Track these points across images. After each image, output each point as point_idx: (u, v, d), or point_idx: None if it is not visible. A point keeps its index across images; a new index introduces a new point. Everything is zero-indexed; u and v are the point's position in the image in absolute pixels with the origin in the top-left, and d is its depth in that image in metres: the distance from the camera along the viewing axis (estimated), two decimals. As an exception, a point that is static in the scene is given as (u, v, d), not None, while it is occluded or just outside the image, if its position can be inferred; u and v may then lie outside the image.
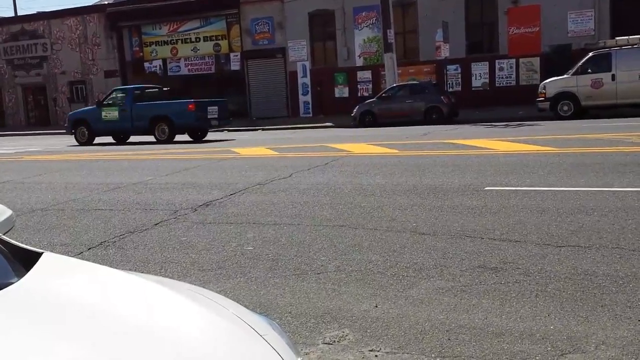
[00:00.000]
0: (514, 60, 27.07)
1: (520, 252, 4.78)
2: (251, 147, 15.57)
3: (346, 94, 30.04)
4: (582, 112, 19.98)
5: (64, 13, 37.28)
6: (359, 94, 29.15)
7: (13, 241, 2.18)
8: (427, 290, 4.11)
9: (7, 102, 39.16)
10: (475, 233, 5.43)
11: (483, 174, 8.60)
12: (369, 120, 22.89)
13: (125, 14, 35.14)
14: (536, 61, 26.63)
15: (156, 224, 6.68)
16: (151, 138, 20.87)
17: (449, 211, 6.38)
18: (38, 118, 38.54)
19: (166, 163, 12.81)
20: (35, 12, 40.64)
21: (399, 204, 6.89)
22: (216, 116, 20.95)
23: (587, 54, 20.35)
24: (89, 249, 5.84)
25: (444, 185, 7.89)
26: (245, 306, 2.55)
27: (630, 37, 19.54)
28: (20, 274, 1.92)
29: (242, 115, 32.45)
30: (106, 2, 40.96)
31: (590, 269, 4.29)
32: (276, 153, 13.50)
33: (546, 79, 21.37)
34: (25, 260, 2.04)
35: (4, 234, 2.24)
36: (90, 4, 40.89)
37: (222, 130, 23.90)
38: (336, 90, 30.47)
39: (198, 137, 21.45)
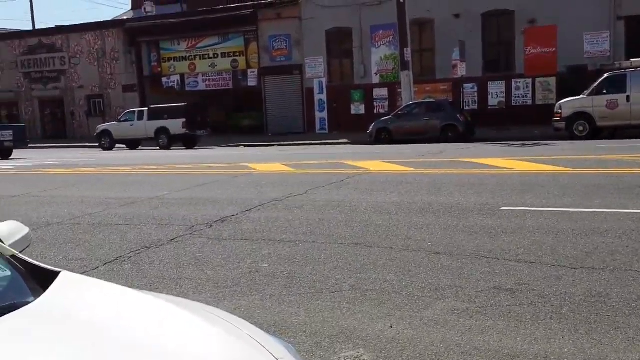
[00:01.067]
0: (530, 80, 27.01)
1: (535, 274, 4.76)
2: (267, 162, 15.64)
3: (362, 111, 30.11)
4: (597, 132, 19.89)
5: (82, 27, 37.77)
6: (375, 111, 29.20)
7: (30, 260, 2.20)
8: (442, 311, 4.11)
9: (24, 115, 39.62)
10: (491, 253, 5.41)
11: (499, 193, 8.57)
12: (385, 137, 22.91)
13: (144, 30, 35.58)
14: (552, 81, 26.56)
15: (172, 240, 6.73)
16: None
17: (465, 231, 6.37)
18: (54, 131, 38.91)
19: (183, 178, 12.90)
20: (54, 26, 41.20)
21: (415, 223, 6.89)
22: (10, 139, 25.17)
23: (602, 75, 20.28)
24: (105, 264, 5.89)
25: (460, 204, 7.88)
26: (260, 324, 2.56)
27: (645, 58, 19.49)
28: (37, 294, 1.93)
29: (259, 131, 32.63)
30: (125, 18, 41.52)
31: (604, 292, 4.27)
32: (292, 169, 13.55)
33: (562, 99, 21.29)
34: (42, 279, 2.05)
35: (20, 252, 2.27)
36: (109, 19, 41.45)
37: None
38: (352, 107, 30.56)
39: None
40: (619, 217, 6.63)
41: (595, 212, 6.94)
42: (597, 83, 19.97)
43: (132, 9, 45.89)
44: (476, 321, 3.88)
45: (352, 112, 30.47)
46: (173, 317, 1.95)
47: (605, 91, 19.64)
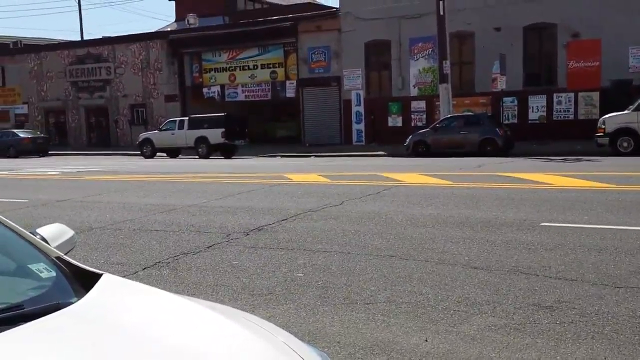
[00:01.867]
0: (572, 94, 26.52)
1: (576, 292, 4.65)
2: (303, 173, 15.69)
3: (400, 124, 29.98)
4: (643, 148, 19.37)
5: (128, 38, 38.65)
6: (413, 124, 29.04)
7: (74, 262, 2.25)
8: (478, 326, 4.04)
9: (70, 122, 40.68)
10: (530, 270, 5.31)
11: (539, 209, 8.42)
12: (422, 150, 22.77)
13: (187, 41, 36.19)
14: (596, 96, 26.02)
15: (209, 247, 6.79)
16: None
17: (503, 246, 6.27)
18: (99, 139, 39.80)
19: (221, 187, 13.03)
20: (101, 37, 42.25)
21: (451, 236, 6.81)
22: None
23: (649, 89, 19.78)
24: (144, 268, 5.98)
25: (498, 218, 7.76)
26: (294, 333, 2.56)
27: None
28: (80, 295, 1.98)
29: (296, 141, 32.78)
30: (169, 29, 42.33)
31: (650, 313, 4.14)
32: (328, 180, 13.56)
33: (605, 114, 20.84)
34: (85, 281, 2.09)
35: (65, 254, 2.32)
36: (154, 31, 42.29)
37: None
38: (390, 119, 30.46)
39: None
40: (665, 235, 6.44)
41: (639, 230, 6.76)
42: (643, 98, 19.49)
43: (176, 20, 46.78)
44: (514, 338, 3.81)
45: (390, 124, 30.36)
46: (209, 321, 1.96)
47: (651, 107, 19.15)
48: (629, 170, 13.42)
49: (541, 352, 3.57)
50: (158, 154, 29.08)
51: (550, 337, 3.79)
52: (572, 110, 26.66)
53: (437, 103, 26.49)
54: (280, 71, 33.97)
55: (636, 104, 19.62)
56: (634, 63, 25.38)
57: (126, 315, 1.90)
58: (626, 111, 19.81)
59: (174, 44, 36.55)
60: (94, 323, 1.79)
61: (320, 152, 26.55)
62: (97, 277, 2.13)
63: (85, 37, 47.29)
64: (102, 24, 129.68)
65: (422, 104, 29.66)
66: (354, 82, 31.23)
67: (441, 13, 24.17)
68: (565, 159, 18.32)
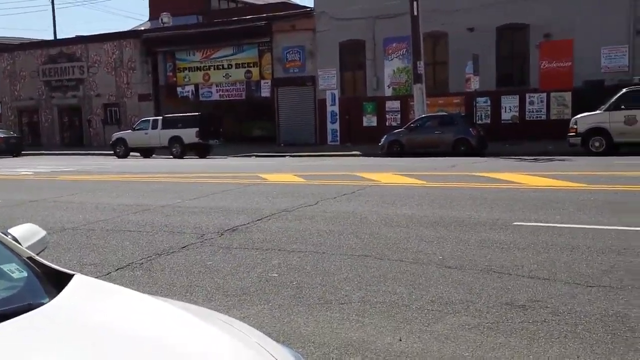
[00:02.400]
0: (545, 94, 26.86)
1: (549, 291, 4.70)
2: (278, 173, 15.65)
3: (374, 123, 30.09)
4: (614, 148, 19.66)
5: (101, 37, 38.20)
6: (387, 124, 29.17)
7: (46, 262, 2.22)
8: (452, 325, 4.06)
9: (43, 122, 40.11)
10: (503, 269, 5.35)
11: (512, 208, 8.50)
12: (397, 150, 22.87)
13: (161, 40, 35.88)
14: (568, 96, 26.39)
15: (183, 247, 6.73)
16: None
17: (476, 245, 6.31)
18: (72, 138, 39.33)
19: (195, 187, 12.93)
20: (74, 36, 41.72)
21: (425, 236, 6.84)
22: None
23: (620, 90, 20.10)
24: (117, 269, 5.90)
25: (472, 218, 7.82)
26: (269, 334, 2.54)
27: (665, 74, 19.30)
28: (51, 295, 1.95)
29: (271, 141, 32.70)
30: (142, 28, 41.94)
31: (622, 311, 4.19)
32: (303, 180, 13.54)
33: (578, 114, 21.14)
34: (57, 282, 2.07)
35: (37, 255, 2.29)
36: (128, 30, 41.85)
37: None
38: (364, 119, 30.55)
39: None
40: (638, 235, 6.54)
41: (611, 229, 6.86)
42: (615, 98, 19.77)
43: (150, 19, 46.36)
44: (487, 337, 3.83)
45: (364, 124, 30.45)
46: (181, 322, 1.94)
47: (623, 106, 19.42)
48: (600, 169, 13.63)
49: (514, 351, 3.60)
50: (131, 153, 28.79)
51: (523, 336, 3.82)
52: (544, 110, 27.01)
53: (411, 103, 26.64)
54: (255, 71, 33.86)
55: (608, 104, 19.92)
56: (606, 63, 25.79)
57: (98, 316, 1.88)
58: (598, 111, 20.10)
59: (147, 43, 36.22)
60: (66, 323, 1.77)
61: (295, 152, 26.53)
62: (69, 277, 2.11)
63: (59, 37, 46.71)
64: (75, 23, 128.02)
65: (396, 104, 29.80)
66: (329, 82, 31.26)
67: (415, 13, 24.30)
68: (537, 159, 18.55)
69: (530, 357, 3.51)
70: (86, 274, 2.49)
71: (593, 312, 4.20)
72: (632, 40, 25.34)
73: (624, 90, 19.75)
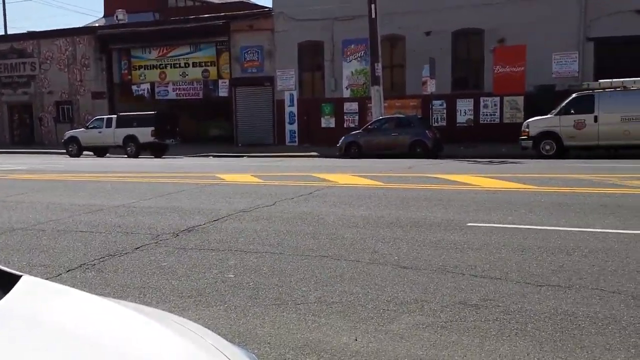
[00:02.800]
0: (498, 98, 27.44)
1: (501, 290, 4.80)
2: (236, 173, 15.55)
3: (332, 125, 30.22)
4: (564, 151, 20.26)
5: (54, 33, 37.32)
6: (345, 125, 29.35)
7: None
8: (407, 325, 4.10)
9: (-8, 119, 39.01)
10: (457, 269, 5.44)
11: (466, 209, 8.65)
12: (355, 151, 23.02)
13: (116, 37, 35.27)
14: (520, 100, 27.02)
15: (137, 248, 6.62)
16: None
17: (431, 246, 6.40)
18: (22, 137, 38.32)
19: (150, 187, 12.74)
20: (25, 32, 40.63)
21: (382, 237, 6.90)
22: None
23: (570, 95, 20.69)
24: (68, 271, 5.77)
25: (427, 219, 7.93)
26: (224, 335, 2.53)
27: (614, 80, 19.93)
28: (-3, 297, 1.90)
29: (228, 141, 32.49)
30: (97, 25, 41.12)
31: (570, 310, 4.31)
32: (260, 180, 13.49)
33: (530, 118, 21.67)
34: (3, 283, 2.02)
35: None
36: (81, 26, 40.98)
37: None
38: (323, 120, 30.66)
39: None
40: (585, 235, 6.73)
41: (560, 230, 7.04)
42: (565, 103, 20.36)
43: (105, 16, 45.51)
44: (441, 336, 3.89)
45: (323, 125, 30.56)
46: (133, 323, 1.91)
47: (572, 111, 20.01)
48: (550, 172, 13.98)
49: (467, 349, 3.66)
50: (85, 152, 28.22)
51: (475, 335, 3.89)
52: (497, 114, 27.58)
53: (369, 105, 26.85)
54: (213, 70, 33.60)
55: (558, 109, 20.49)
56: (557, 69, 26.51)
57: (46, 317, 1.84)
58: (549, 115, 20.66)
59: (102, 40, 35.55)
60: (11, 325, 1.73)
61: (253, 152, 26.43)
62: (16, 278, 2.05)
63: (9, 32, 45.45)
64: (27, 19, 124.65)
65: (354, 106, 30.00)
66: (287, 82, 31.25)
67: (373, 16, 24.51)
68: (491, 161, 18.93)
69: (482, 355, 3.58)
70: (36, 276, 2.43)
71: (542, 310, 4.31)
72: (582, 47, 26.12)
73: (574, 95, 20.35)
